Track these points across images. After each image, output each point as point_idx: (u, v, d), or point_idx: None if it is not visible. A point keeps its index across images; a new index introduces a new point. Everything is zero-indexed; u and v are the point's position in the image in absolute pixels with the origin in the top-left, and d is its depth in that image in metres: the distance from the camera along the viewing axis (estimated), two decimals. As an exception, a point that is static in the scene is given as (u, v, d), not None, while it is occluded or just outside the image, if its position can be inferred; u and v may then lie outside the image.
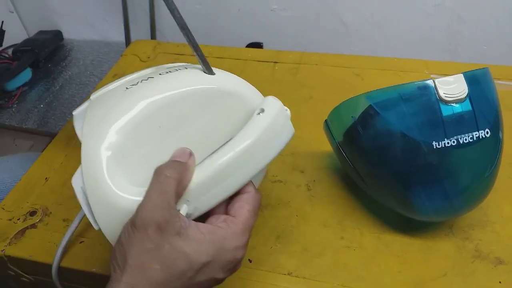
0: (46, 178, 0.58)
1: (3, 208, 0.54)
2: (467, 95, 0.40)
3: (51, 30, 1.38)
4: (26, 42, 1.29)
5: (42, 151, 0.63)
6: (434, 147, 0.40)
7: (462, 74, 0.40)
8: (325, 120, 0.50)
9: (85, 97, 1.15)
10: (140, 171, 0.35)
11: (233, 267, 0.34)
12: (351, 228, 0.49)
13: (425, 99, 0.40)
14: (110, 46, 1.39)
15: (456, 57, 1.18)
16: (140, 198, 0.33)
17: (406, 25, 1.15)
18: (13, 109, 1.17)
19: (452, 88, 0.40)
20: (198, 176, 0.35)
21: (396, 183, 0.44)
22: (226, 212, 0.36)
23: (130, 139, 0.34)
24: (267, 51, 0.81)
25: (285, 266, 0.46)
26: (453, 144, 0.40)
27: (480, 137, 0.40)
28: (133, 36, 1.32)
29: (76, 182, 0.34)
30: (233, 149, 0.36)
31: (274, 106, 0.38)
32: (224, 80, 0.39)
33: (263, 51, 0.83)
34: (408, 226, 0.48)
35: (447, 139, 0.40)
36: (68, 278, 0.49)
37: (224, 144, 0.37)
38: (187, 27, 0.36)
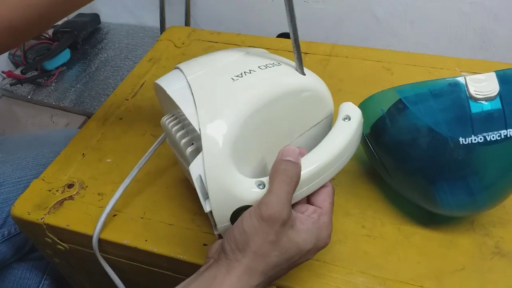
0: (83, 154, 0.61)
1: (43, 180, 0.58)
2: (497, 93, 0.40)
3: (89, 13, 1.42)
4: (65, 24, 1.33)
5: (78, 129, 0.66)
6: (461, 143, 0.41)
7: (494, 73, 0.40)
8: (354, 112, 0.51)
9: (119, 80, 1.19)
10: (246, 162, 0.40)
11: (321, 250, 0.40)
12: (372, 218, 0.50)
13: (455, 96, 0.41)
14: (145, 30, 1.42)
15: (489, 57, 1.16)
16: (254, 189, 0.38)
17: (440, 22, 1.14)
18: (52, 88, 1.21)
19: (483, 86, 0.40)
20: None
21: (421, 177, 0.45)
22: (308, 202, 0.42)
23: (243, 133, 0.39)
24: (299, 42, 0.82)
25: (307, 250, 0.48)
26: (480, 141, 0.40)
27: (508, 136, 0.40)
28: (167, 22, 1.34)
29: (195, 169, 0.38)
30: (330, 152, 0.41)
31: (357, 114, 0.43)
32: (314, 81, 0.44)
33: (294, 42, 0.84)
34: (429, 220, 0.49)
35: (474, 135, 0.40)
36: (100, 248, 0.52)
37: (318, 147, 0.41)
38: (297, 32, 0.43)
